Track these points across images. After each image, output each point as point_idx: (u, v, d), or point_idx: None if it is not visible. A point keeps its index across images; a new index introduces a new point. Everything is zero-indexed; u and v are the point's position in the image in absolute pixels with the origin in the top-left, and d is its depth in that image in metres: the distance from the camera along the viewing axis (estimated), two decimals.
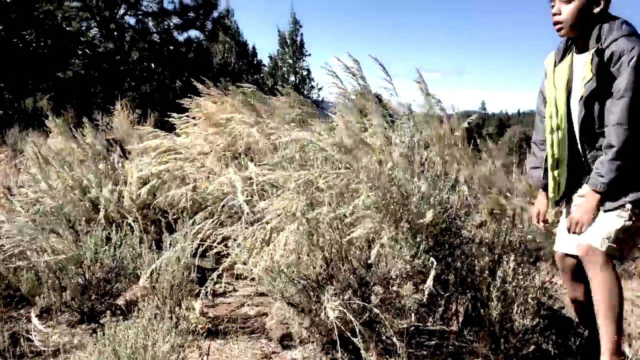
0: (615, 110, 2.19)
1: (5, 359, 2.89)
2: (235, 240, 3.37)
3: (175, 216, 4.13)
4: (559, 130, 2.45)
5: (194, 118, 5.44)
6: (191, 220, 3.74)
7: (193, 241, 3.50)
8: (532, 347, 2.88)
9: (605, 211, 2.35)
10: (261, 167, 3.87)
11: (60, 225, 3.88)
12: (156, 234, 4.04)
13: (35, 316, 3.27)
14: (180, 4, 17.63)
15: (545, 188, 2.68)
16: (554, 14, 2.36)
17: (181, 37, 18.50)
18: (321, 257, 2.98)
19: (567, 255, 2.67)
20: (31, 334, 3.20)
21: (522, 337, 2.84)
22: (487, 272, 2.97)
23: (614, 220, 2.33)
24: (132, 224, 3.90)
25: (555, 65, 2.51)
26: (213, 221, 3.80)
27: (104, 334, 2.46)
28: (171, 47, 18.45)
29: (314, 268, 2.97)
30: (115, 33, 17.09)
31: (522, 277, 2.83)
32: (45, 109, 15.82)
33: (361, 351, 2.64)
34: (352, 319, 2.61)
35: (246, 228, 3.42)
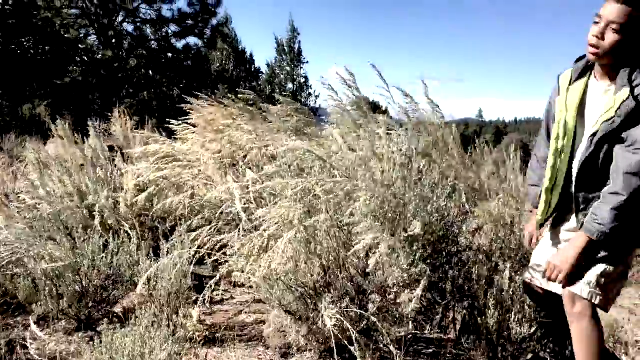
0: (630, 159, 2.00)
1: None
2: (232, 247, 3.38)
3: (172, 223, 4.12)
4: (563, 154, 2.29)
5: (193, 125, 5.45)
6: (188, 227, 3.74)
7: (191, 248, 3.50)
8: (530, 355, 2.88)
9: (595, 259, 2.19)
10: (259, 174, 3.87)
11: (57, 232, 3.87)
12: (153, 241, 4.03)
13: (34, 323, 3.26)
14: (179, 12, 17.70)
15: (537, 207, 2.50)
16: (595, 36, 2.07)
17: (179, 45, 18.56)
18: (319, 265, 2.98)
19: (544, 290, 2.49)
20: (28, 342, 3.19)
21: (519, 345, 2.85)
22: (484, 280, 2.98)
23: (598, 266, 2.18)
24: (130, 231, 3.90)
25: (570, 84, 2.31)
26: (210, 228, 3.80)
27: (101, 342, 2.46)
28: (169, 55, 18.49)
29: (312, 276, 2.98)
30: (114, 40, 17.13)
31: (519, 284, 2.84)
32: (43, 116, 15.85)
33: (358, 359, 2.64)
34: (350, 327, 2.61)
35: (244, 236, 3.42)
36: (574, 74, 2.31)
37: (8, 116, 17.01)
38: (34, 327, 3.24)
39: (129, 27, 17.94)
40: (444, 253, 3.17)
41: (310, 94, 28.15)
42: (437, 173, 3.73)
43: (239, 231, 3.56)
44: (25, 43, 16.80)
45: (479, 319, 2.88)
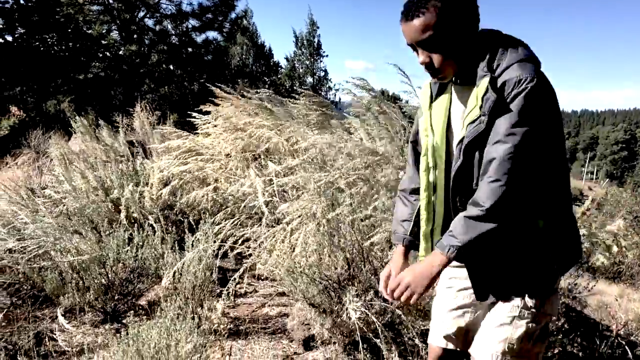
0: (492, 159, 1.52)
1: (30, 358, 2.93)
2: (256, 241, 3.39)
3: (196, 217, 4.15)
4: (437, 188, 1.77)
5: (215, 119, 5.47)
6: (212, 221, 3.76)
7: (214, 242, 3.51)
8: (558, 349, 2.84)
9: (495, 311, 1.74)
10: (282, 168, 3.88)
11: (83, 226, 3.92)
12: (177, 234, 4.06)
13: (61, 315, 3.30)
14: (199, 6, 17.77)
15: (409, 247, 1.93)
16: (424, 63, 1.63)
17: (199, 39, 18.65)
18: (342, 258, 2.98)
19: (446, 350, 1.94)
20: (55, 334, 3.24)
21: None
22: None
23: (512, 325, 1.69)
24: (154, 224, 3.93)
25: (432, 101, 1.79)
26: (233, 222, 3.82)
27: (127, 334, 2.48)
28: (190, 49, 18.59)
29: (336, 269, 2.97)
30: (135, 36, 17.27)
31: None
32: (67, 112, 16.06)
33: (383, 352, 2.63)
34: (374, 319, 2.60)
35: (267, 229, 3.43)
36: (433, 87, 1.79)
37: (33, 112, 17.28)
38: (61, 319, 3.28)
39: (150, 22, 18.11)
40: None
41: (330, 88, 28.10)
42: None
43: (261, 224, 3.58)
44: (48, 39, 17.02)
45: None
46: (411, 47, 1.62)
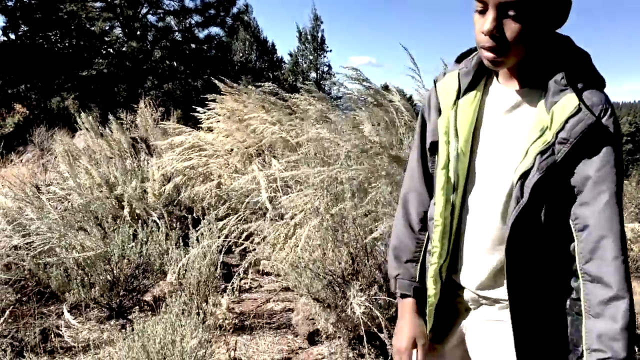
0: (604, 218, 1.12)
1: (36, 354, 2.95)
2: (259, 235, 3.39)
3: (200, 212, 4.16)
4: (454, 210, 1.34)
5: (217, 115, 5.47)
6: (215, 216, 3.77)
7: (219, 237, 3.52)
8: None
9: None
10: (285, 163, 3.88)
11: (88, 222, 3.94)
12: (182, 230, 4.08)
13: (67, 312, 3.32)
14: (201, 1, 17.76)
15: (418, 294, 1.46)
16: (488, 33, 1.14)
17: (202, 35, 18.65)
18: (346, 253, 2.98)
19: None
20: (61, 330, 3.26)
21: None
22: None
23: None
24: (158, 220, 3.94)
25: (458, 97, 1.34)
26: (237, 217, 3.83)
27: (132, 330, 2.49)
28: (193, 45, 18.59)
29: (340, 263, 2.98)
30: (138, 32, 17.28)
31: None
32: (70, 109, 16.10)
33: (387, 346, 2.63)
34: (379, 314, 2.61)
35: (271, 224, 3.44)
36: (464, 80, 1.34)
37: (37, 109, 17.33)
38: (67, 315, 3.30)
39: (153, 19, 18.11)
40: None
41: (334, 83, 28.07)
42: None
43: (265, 220, 3.58)
44: (51, 37, 17.06)
45: None
46: (480, 3, 1.15)
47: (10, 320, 3.19)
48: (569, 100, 1.13)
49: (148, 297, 3.69)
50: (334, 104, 5.06)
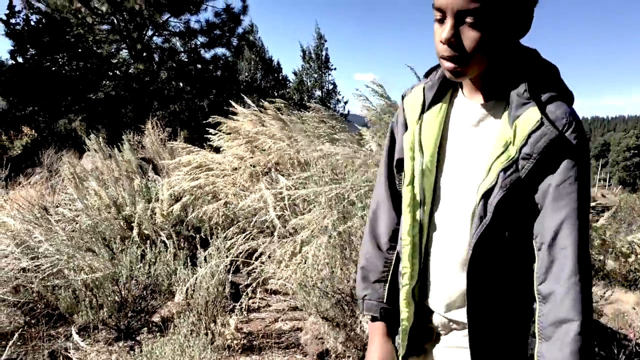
0: (563, 247, 1.07)
1: None
2: (269, 256, 3.39)
3: (207, 232, 4.16)
4: (422, 228, 1.29)
5: (228, 134, 5.50)
6: (223, 236, 3.77)
7: (226, 257, 3.52)
8: None
9: None
10: (292, 181, 3.88)
11: (96, 243, 3.94)
12: (189, 250, 4.07)
13: (75, 333, 3.31)
14: (207, 22, 17.91)
15: (387, 316, 1.41)
16: (446, 41, 1.10)
17: (208, 55, 18.79)
18: (355, 271, 2.96)
19: None
20: (70, 352, 3.25)
21: None
22: None
23: None
24: (166, 240, 3.94)
25: (423, 111, 1.31)
26: (245, 236, 3.83)
27: (141, 351, 2.49)
28: (198, 66, 18.72)
29: (348, 282, 2.96)
30: (144, 54, 17.44)
31: None
32: (78, 130, 16.23)
33: None
34: None
35: (279, 243, 3.43)
36: (428, 93, 1.31)
37: (45, 131, 17.46)
38: (75, 337, 3.29)
39: (159, 40, 18.28)
40: None
41: (338, 100, 28.19)
42: None
43: (273, 239, 3.58)
44: (59, 60, 17.22)
45: None
46: (438, 12, 1.11)
47: (19, 343, 3.18)
48: (531, 114, 1.09)
49: (156, 318, 3.67)
50: (342, 122, 5.08)
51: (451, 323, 1.30)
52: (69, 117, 17.63)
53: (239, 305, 3.32)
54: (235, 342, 3.18)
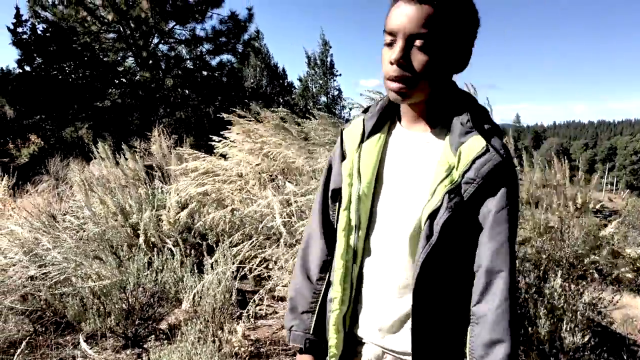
0: (499, 271, 1.13)
1: None
2: (275, 262, 3.38)
3: (214, 239, 4.16)
4: (357, 254, 1.31)
5: (232, 141, 5.51)
6: (230, 243, 3.77)
7: (233, 264, 3.52)
8: None
9: None
10: (299, 187, 3.88)
11: (103, 251, 3.95)
12: (196, 257, 4.08)
13: (83, 341, 3.31)
14: (212, 30, 18.00)
15: (313, 348, 1.41)
16: (396, 62, 1.16)
17: (214, 62, 18.86)
18: None
19: None
20: None
21: (572, 355, 2.76)
22: (533, 289, 2.90)
23: None
24: (173, 248, 3.95)
25: (362, 141, 1.35)
26: (252, 243, 3.82)
27: (149, 359, 2.48)
28: (204, 73, 18.80)
29: None
30: (150, 62, 17.52)
31: (570, 293, 2.76)
32: (85, 138, 16.30)
33: None
34: None
35: (285, 250, 3.43)
36: (368, 123, 1.36)
37: (52, 139, 17.56)
38: (83, 345, 3.30)
39: (165, 48, 18.37)
40: None
41: (344, 106, 28.21)
42: None
43: (279, 245, 3.57)
44: (66, 68, 17.34)
45: (529, 328, 2.80)
46: (389, 36, 1.17)
47: (27, 351, 3.18)
48: (476, 142, 1.16)
49: (164, 326, 3.67)
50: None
51: (385, 354, 1.30)
52: (75, 125, 17.73)
53: (246, 312, 3.31)
54: (242, 349, 3.17)
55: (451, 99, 1.25)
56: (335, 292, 1.32)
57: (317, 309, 1.39)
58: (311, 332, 1.39)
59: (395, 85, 1.18)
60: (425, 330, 1.19)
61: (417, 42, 1.14)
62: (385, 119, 1.36)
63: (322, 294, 1.40)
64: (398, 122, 1.34)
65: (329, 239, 1.41)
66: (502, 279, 1.11)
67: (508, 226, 1.13)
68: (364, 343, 1.33)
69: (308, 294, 1.42)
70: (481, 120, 1.20)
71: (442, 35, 1.14)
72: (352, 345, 1.36)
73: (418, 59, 1.14)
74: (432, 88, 1.20)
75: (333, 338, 1.33)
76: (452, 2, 1.15)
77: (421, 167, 1.25)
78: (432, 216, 1.15)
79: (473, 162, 1.14)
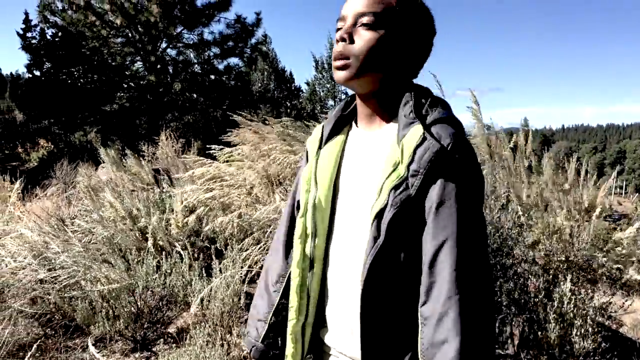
0: (442, 255, 1.04)
1: None
2: None
3: (222, 243, 4.17)
4: (316, 262, 1.27)
5: (239, 146, 5.53)
6: (238, 247, 3.78)
7: (242, 267, 3.52)
8: None
9: None
10: None
11: (112, 254, 3.97)
12: (204, 261, 4.08)
13: (92, 345, 3.32)
14: (220, 34, 18.07)
15: (261, 355, 1.39)
16: (341, 37, 1.16)
17: (221, 66, 18.93)
18: None
19: None
20: None
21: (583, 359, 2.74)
22: (543, 292, 2.88)
23: None
24: (181, 251, 3.95)
25: (320, 146, 1.33)
26: (260, 248, 3.83)
27: None
28: (212, 77, 18.87)
29: None
30: (158, 66, 17.61)
31: (580, 297, 2.74)
32: (93, 142, 16.39)
33: None
34: None
35: None
36: (325, 128, 1.33)
37: (60, 143, 17.68)
38: (92, 348, 3.31)
39: (172, 52, 18.47)
40: (498, 266, 3.09)
41: None
42: (490, 185, 3.66)
43: None
44: (74, 72, 17.48)
45: (539, 333, 2.79)
46: (340, 22, 1.18)
47: (37, 354, 3.20)
48: (415, 131, 1.09)
49: (172, 329, 3.68)
50: None
51: None
52: (84, 129, 17.85)
53: None
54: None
55: (407, 98, 1.17)
56: (292, 302, 1.28)
57: (269, 319, 1.37)
58: (260, 340, 1.37)
59: (338, 62, 1.16)
60: (374, 335, 1.12)
61: (364, 19, 1.13)
62: (344, 123, 1.32)
63: (275, 305, 1.36)
64: (355, 125, 1.30)
65: (290, 249, 1.36)
66: (445, 277, 1.02)
67: (452, 221, 1.03)
68: (330, 355, 1.30)
69: (264, 303, 1.40)
70: (428, 110, 1.13)
71: (389, 20, 1.13)
72: (319, 356, 1.34)
73: (363, 35, 1.13)
74: (383, 81, 1.18)
75: (290, 347, 1.30)
76: None
77: (373, 167, 1.18)
78: (379, 215, 1.08)
79: (414, 152, 1.06)
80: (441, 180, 1.05)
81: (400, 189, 1.07)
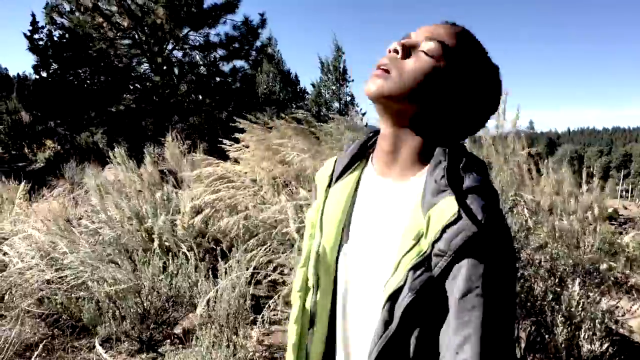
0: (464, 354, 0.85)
1: None
2: (291, 268, 3.38)
3: (228, 244, 4.18)
4: (315, 319, 1.13)
5: (246, 147, 5.53)
6: (244, 248, 3.78)
7: (247, 269, 3.53)
8: None
9: None
10: (312, 193, 3.89)
11: (118, 255, 3.98)
12: (210, 262, 4.09)
13: (99, 345, 3.33)
14: (226, 36, 18.10)
15: None
16: (395, 49, 0.98)
17: (227, 68, 18.96)
18: None
19: None
20: None
21: None
22: (550, 296, 2.87)
23: None
24: (187, 252, 3.96)
25: (330, 183, 1.16)
26: (266, 249, 3.83)
27: None
28: (217, 79, 18.90)
29: None
30: (164, 67, 17.65)
31: (587, 300, 2.73)
32: (100, 143, 16.44)
33: None
34: None
35: (299, 255, 3.43)
36: (338, 166, 1.16)
37: (67, 144, 17.73)
38: (98, 348, 3.31)
39: (179, 54, 18.51)
40: None
41: (357, 112, 28.22)
42: (498, 187, 3.65)
43: (293, 251, 3.58)
44: (81, 74, 17.55)
45: (546, 336, 2.78)
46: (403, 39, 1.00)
47: (43, 354, 3.21)
48: (448, 206, 0.89)
49: (178, 330, 3.68)
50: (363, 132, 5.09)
51: None
52: (90, 130, 17.89)
53: (261, 318, 3.32)
54: (257, 354, 3.17)
55: (440, 153, 0.98)
56: (291, 335, 1.15)
57: None
58: None
59: (377, 71, 0.97)
60: None
61: (430, 44, 0.96)
62: (358, 156, 1.14)
63: None
64: (371, 162, 1.11)
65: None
66: None
67: (477, 315, 0.85)
68: None
69: None
70: (459, 174, 0.93)
71: (456, 59, 0.97)
72: None
73: (421, 58, 0.95)
74: (416, 118, 0.99)
75: None
76: (472, 51, 0.99)
77: (390, 226, 1.00)
78: (394, 297, 0.91)
79: (443, 230, 0.88)
80: (469, 260, 0.87)
81: (421, 270, 0.89)
